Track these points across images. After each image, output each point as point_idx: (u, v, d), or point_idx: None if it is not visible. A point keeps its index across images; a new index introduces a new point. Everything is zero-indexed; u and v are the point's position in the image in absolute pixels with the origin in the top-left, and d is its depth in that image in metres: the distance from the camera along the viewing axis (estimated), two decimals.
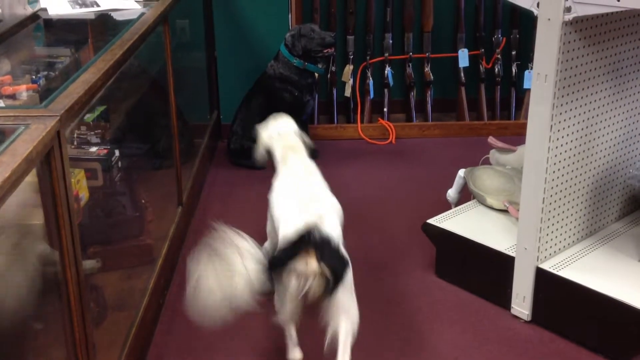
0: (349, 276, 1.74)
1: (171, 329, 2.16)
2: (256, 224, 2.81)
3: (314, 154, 2.21)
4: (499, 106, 3.71)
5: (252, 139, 3.30)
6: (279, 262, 1.69)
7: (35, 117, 1.41)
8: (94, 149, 2.05)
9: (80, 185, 1.79)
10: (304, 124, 3.37)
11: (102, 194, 2.11)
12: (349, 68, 3.63)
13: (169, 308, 2.26)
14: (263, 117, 3.29)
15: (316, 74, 3.29)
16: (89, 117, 2.28)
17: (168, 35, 2.56)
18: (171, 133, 2.66)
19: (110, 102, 2.38)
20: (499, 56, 3.66)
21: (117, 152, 2.12)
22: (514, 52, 3.68)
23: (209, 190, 3.12)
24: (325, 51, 3.18)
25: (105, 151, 2.08)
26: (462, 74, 3.69)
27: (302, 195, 1.91)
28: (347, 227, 2.72)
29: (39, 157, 1.33)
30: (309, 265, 1.67)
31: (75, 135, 2.07)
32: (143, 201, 2.44)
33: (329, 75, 3.66)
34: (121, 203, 2.24)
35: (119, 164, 2.14)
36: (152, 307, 2.12)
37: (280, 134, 2.21)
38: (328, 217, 1.79)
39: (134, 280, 2.20)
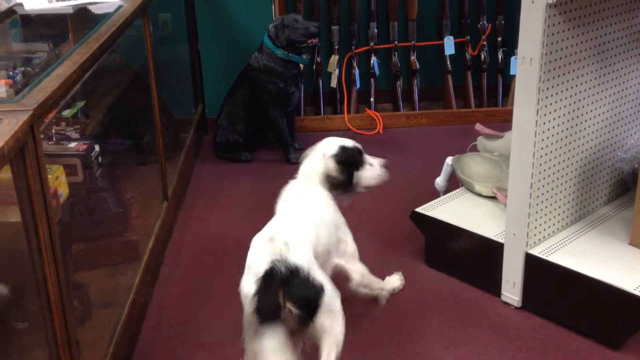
0: (326, 299, 1.65)
1: (158, 325, 2.13)
2: (242, 218, 2.78)
3: (346, 188, 2.05)
4: (486, 93, 3.69)
5: (238, 132, 3.29)
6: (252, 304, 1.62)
7: (7, 112, 1.38)
8: (73, 144, 2.01)
9: (59, 181, 1.76)
10: (290, 115, 3.34)
11: (83, 190, 2.07)
12: (334, 58, 3.59)
13: (155, 304, 2.23)
14: (248, 109, 3.28)
15: (301, 65, 3.26)
16: (68, 112, 2.24)
17: (148, 29, 2.52)
18: (155, 128, 2.62)
19: (90, 97, 2.34)
20: (484, 43, 3.64)
21: (97, 148, 2.08)
22: (499, 39, 3.66)
23: (195, 184, 3.09)
24: (309, 41, 3.15)
25: (84, 147, 2.04)
26: (449, 62, 3.66)
27: (276, 222, 1.86)
28: None
29: (12, 153, 1.29)
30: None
31: (53, 131, 2.02)
32: (127, 197, 2.41)
33: (314, 66, 3.63)
34: (104, 199, 2.20)
35: (100, 159, 2.11)
36: (138, 304, 2.09)
37: (314, 157, 2.05)
38: (294, 243, 1.70)
39: (119, 277, 2.17)
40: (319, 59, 3.62)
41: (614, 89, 2.24)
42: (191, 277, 2.39)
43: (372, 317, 2.14)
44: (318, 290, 1.64)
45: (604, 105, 2.21)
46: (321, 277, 1.68)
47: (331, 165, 1.99)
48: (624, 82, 2.27)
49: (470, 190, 2.47)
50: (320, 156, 2.02)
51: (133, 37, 2.59)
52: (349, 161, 2.02)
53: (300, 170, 2.05)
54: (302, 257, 1.67)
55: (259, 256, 1.68)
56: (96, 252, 2.16)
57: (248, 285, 1.64)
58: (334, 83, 3.62)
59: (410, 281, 2.30)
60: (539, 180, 2.05)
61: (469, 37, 3.64)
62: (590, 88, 2.13)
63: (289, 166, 3.22)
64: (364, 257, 2.46)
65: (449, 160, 2.58)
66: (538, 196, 2.07)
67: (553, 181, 2.11)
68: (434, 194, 2.57)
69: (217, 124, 3.32)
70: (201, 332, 2.08)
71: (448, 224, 2.28)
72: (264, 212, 2.87)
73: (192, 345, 2.04)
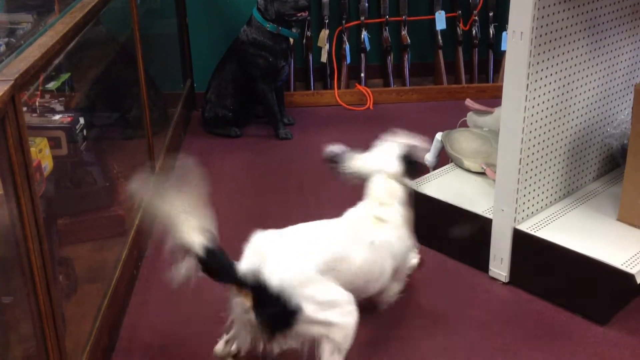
0: (304, 316, 1.56)
1: (146, 300, 2.12)
2: (231, 193, 2.77)
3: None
4: (477, 69, 3.67)
5: (227, 107, 3.26)
6: (224, 270, 1.57)
7: None
8: (57, 117, 1.97)
9: (43, 154, 1.73)
10: (280, 90, 3.31)
11: (68, 164, 2.04)
12: (324, 33, 3.55)
13: (143, 279, 2.22)
14: (237, 84, 3.25)
15: (291, 39, 3.22)
16: (52, 85, 2.20)
17: (134, 0, 2.48)
18: (142, 102, 2.59)
19: (75, 69, 2.30)
20: (476, 18, 3.60)
21: (82, 121, 2.04)
22: (491, 14, 3.62)
23: (183, 160, 3.06)
24: (299, 15, 3.11)
25: (69, 119, 2.00)
26: (440, 37, 3.63)
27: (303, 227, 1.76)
28: (324, 196, 2.71)
29: None
30: (244, 304, 1.57)
31: (37, 104, 1.99)
32: (114, 171, 2.38)
33: (304, 41, 3.59)
34: (89, 173, 2.18)
35: (85, 132, 2.07)
36: (125, 279, 2.08)
37: (377, 169, 1.90)
38: (288, 256, 1.60)
39: (106, 251, 2.16)
40: (309, 33, 3.58)
41: (604, 65, 2.22)
42: None
43: None
44: (288, 312, 1.54)
45: (594, 81, 2.20)
46: (304, 295, 1.56)
47: (407, 182, 1.90)
48: (614, 58, 2.25)
49: (460, 166, 2.46)
50: (391, 178, 1.87)
51: (119, 9, 2.55)
52: (413, 162, 1.92)
53: (370, 195, 1.89)
54: (281, 275, 1.55)
55: (248, 250, 1.64)
56: (82, 226, 2.14)
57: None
58: (324, 58, 3.58)
59: None
60: (528, 156, 2.04)
61: (460, 11, 3.61)
62: (580, 63, 2.12)
63: (279, 141, 3.21)
64: None
65: (438, 136, 2.56)
66: (527, 172, 2.06)
67: (542, 157, 2.10)
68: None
69: (206, 98, 3.28)
70: (189, 306, 2.07)
71: (437, 199, 2.28)
72: (253, 188, 2.87)
73: (180, 320, 2.04)
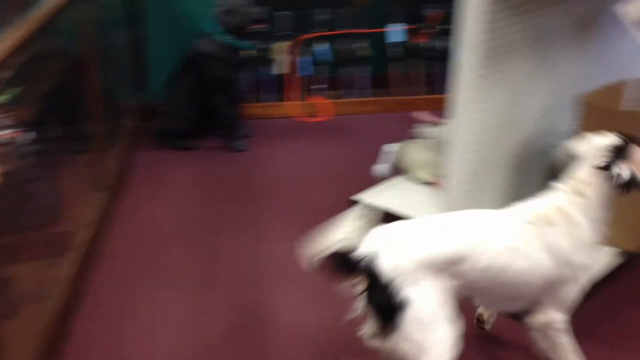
0: (405, 319, 1.44)
1: (93, 317, 2.09)
2: (186, 206, 2.75)
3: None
4: (433, 80, 3.71)
5: (182, 119, 3.24)
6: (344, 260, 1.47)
7: None
8: (4, 132, 1.94)
9: None
10: (236, 102, 3.30)
11: (13, 180, 2.00)
12: (281, 45, 3.56)
13: (91, 296, 2.18)
14: (193, 96, 3.23)
15: (247, 51, 3.22)
16: (1, 98, 2.16)
17: (89, 12, 2.45)
18: (94, 115, 2.56)
19: (25, 82, 2.27)
20: (433, 30, 3.65)
21: (30, 136, 2.01)
22: (447, 27, 3.68)
23: (137, 173, 3.03)
24: (255, 27, 3.11)
25: (16, 134, 1.97)
26: (395, 49, 3.67)
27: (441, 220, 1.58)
28: (278, 207, 2.71)
29: None
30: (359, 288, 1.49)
31: None
32: (63, 186, 2.34)
33: (261, 52, 3.59)
34: (36, 189, 2.14)
35: (33, 147, 2.04)
36: (70, 296, 2.04)
37: (594, 154, 1.63)
38: (406, 247, 1.48)
39: (51, 269, 2.11)
40: (266, 45, 3.58)
41: (551, 77, 2.27)
42: (130, 267, 2.35)
43: (313, 304, 2.14)
44: (396, 305, 1.43)
45: (541, 92, 2.25)
46: (414, 294, 1.44)
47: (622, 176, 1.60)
48: (560, 71, 2.30)
49: (410, 176, 2.49)
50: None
51: (73, 21, 2.52)
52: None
53: (565, 182, 1.65)
54: (393, 264, 1.45)
55: (369, 237, 1.51)
56: (28, 243, 2.10)
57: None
58: (280, 70, 3.59)
59: None
60: (477, 166, 2.08)
61: (416, 24, 3.65)
62: (527, 75, 2.17)
63: (234, 154, 3.20)
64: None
65: (388, 147, 2.59)
66: (474, 181, 2.09)
67: (490, 167, 2.13)
68: (376, 181, 2.58)
69: (162, 110, 3.26)
70: (137, 325, 2.05)
71: (386, 210, 2.29)
72: (208, 200, 2.85)
73: (127, 337, 2.01)
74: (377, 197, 2.38)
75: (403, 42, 3.65)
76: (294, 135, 3.39)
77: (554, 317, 1.63)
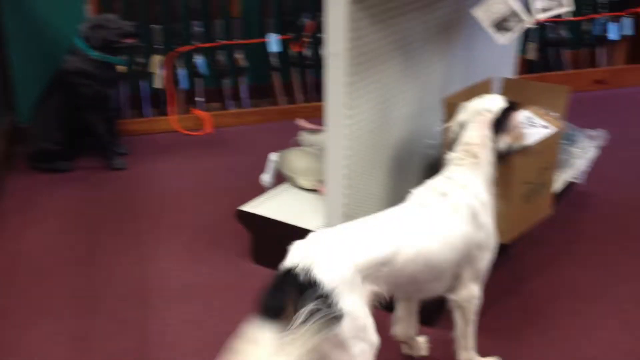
0: (341, 328, 1.41)
1: None
2: (62, 233, 2.61)
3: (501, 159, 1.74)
4: (311, 89, 3.76)
5: (53, 139, 3.08)
6: None
7: None
8: None
9: None
10: (111, 119, 3.19)
11: None
12: (156, 58, 3.49)
13: None
14: (63, 115, 3.09)
15: (119, 66, 3.12)
16: None
17: None
18: None
19: None
20: (307, 39, 3.70)
21: None
22: (320, 35, 3.74)
23: (7, 200, 2.85)
24: (125, 41, 3.02)
25: None
26: (274, 59, 3.69)
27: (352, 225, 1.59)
28: (162, 224, 2.64)
29: None
30: None
31: None
32: None
33: (135, 67, 3.50)
34: None
35: None
36: None
37: (482, 115, 1.72)
38: (334, 254, 1.46)
39: None
40: (140, 59, 3.49)
41: (419, 81, 2.36)
42: (1, 300, 2.20)
43: (201, 319, 2.10)
44: (335, 315, 1.40)
45: (410, 96, 2.33)
46: (349, 304, 1.42)
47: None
48: (427, 74, 2.40)
49: (294, 184, 2.50)
50: (486, 126, 1.71)
51: None
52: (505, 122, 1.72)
53: (458, 149, 1.72)
54: (331, 274, 1.42)
55: (294, 252, 1.48)
56: None
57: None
58: (158, 84, 3.51)
59: (237, 280, 2.29)
60: (354, 171, 2.12)
61: (291, 34, 3.69)
62: (396, 80, 2.24)
63: (113, 172, 3.08)
64: (191, 261, 2.41)
65: (272, 156, 2.59)
66: (353, 186, 2.13)
67: (367, 170, 2.18)
68: (262, 191, 2.58)
69: (30, 132, 3.09)
70: (8, 357, 1.93)
71: (271, 219, 2.29)
72: (85, 223, 2.72)
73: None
74: (261, 206, 2.37)
75: (283, 52, 3.67)
76: (176, 150, 3.32)
77: (474, 290, 1.72)
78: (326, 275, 1.41)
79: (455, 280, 1.71)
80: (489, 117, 1.72)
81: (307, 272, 1.41)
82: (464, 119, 1.77)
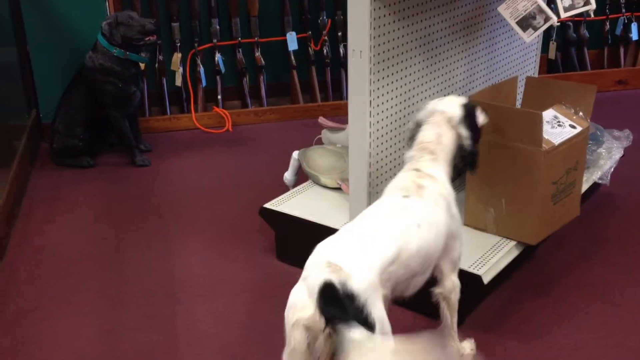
0: (370, 341, 1.34)
1: None
2: (85, 227, 2.64)
3: (469, 164, 1.76)
4: (330, 87, 3.77)
5: (77, 136, 3.11)
6: None
7: None
8: None
9: None
10: (134, 116, 3.22)
11: None
12: (177, 56, 3.51)
13: None
14: (86, 112, 3.12)
15: (141, 64, 3.15)
16: None
17: None
18: None
19: None
20: (326, 38, 3.71)
21: None
22: (340, 33, 3.75)
23: (32, 195, 2.89)
24: (147, 39, 3.04)
25: None
26: (293, 57, 3.70)
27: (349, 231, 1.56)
28: (186, 222, 2.66)
29: None
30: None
31: None
32: None
33: (156, 65, 3.52)
34: None
35: None
36: None
37: (437, 115, 1.74)
38: (357, 263, 1.42)
39: None
40: (161, 57, 3.52)
41: (441, 78, 2.36)
42: (29, 294, 2.23)
43: (225, 314, 2.11)
44: (369, 327, 1.36)
45: (433, 93, 2.33)
46: (377, 312, 1.40)
47: (464, 133, 1.72)
48: (450, 72, 2.40)
49: (317, 182, 2.51)
50: (445, 122, 1.73)
51: None
52: (476, 125, 1.75)
53: (414, 147, 1.74)
54: (362, 283, 1.39)
55: (316, 270, 1.43)
56: None
57: (298, 296, 1.41)
58: (178, 81, 3.53)
59: (262, 277, 2.30)
60: (377, 169, 2.12)
61: (310, 32, 3.70)
62: (419, 78, 2.24)
63: (136, 169, 3.11)
64: (216, 256, 2.43)
65: (295, 154, 2.60)
66: (377, 184, 2.14)
67: (390, 169, 2.19)
68: (284, 189, 2.59)
69: (53, 129, 3.12)
70: (41, 352, 1.95)
71: (295, 217, 2.30)
72: (109, 219, 2.75)
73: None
74: (285, 204, 2.39)
75: (297, 50, 3.68)
76: (197, 147, 3.34)
77: (456, 280, 1.75)
78: (360, 286, 1.38)
79: (437, 273, 1.73)
80: (444, 117, 1.75)
81: (344, 285, 1.37)
82: (420, 119, 1.80)
